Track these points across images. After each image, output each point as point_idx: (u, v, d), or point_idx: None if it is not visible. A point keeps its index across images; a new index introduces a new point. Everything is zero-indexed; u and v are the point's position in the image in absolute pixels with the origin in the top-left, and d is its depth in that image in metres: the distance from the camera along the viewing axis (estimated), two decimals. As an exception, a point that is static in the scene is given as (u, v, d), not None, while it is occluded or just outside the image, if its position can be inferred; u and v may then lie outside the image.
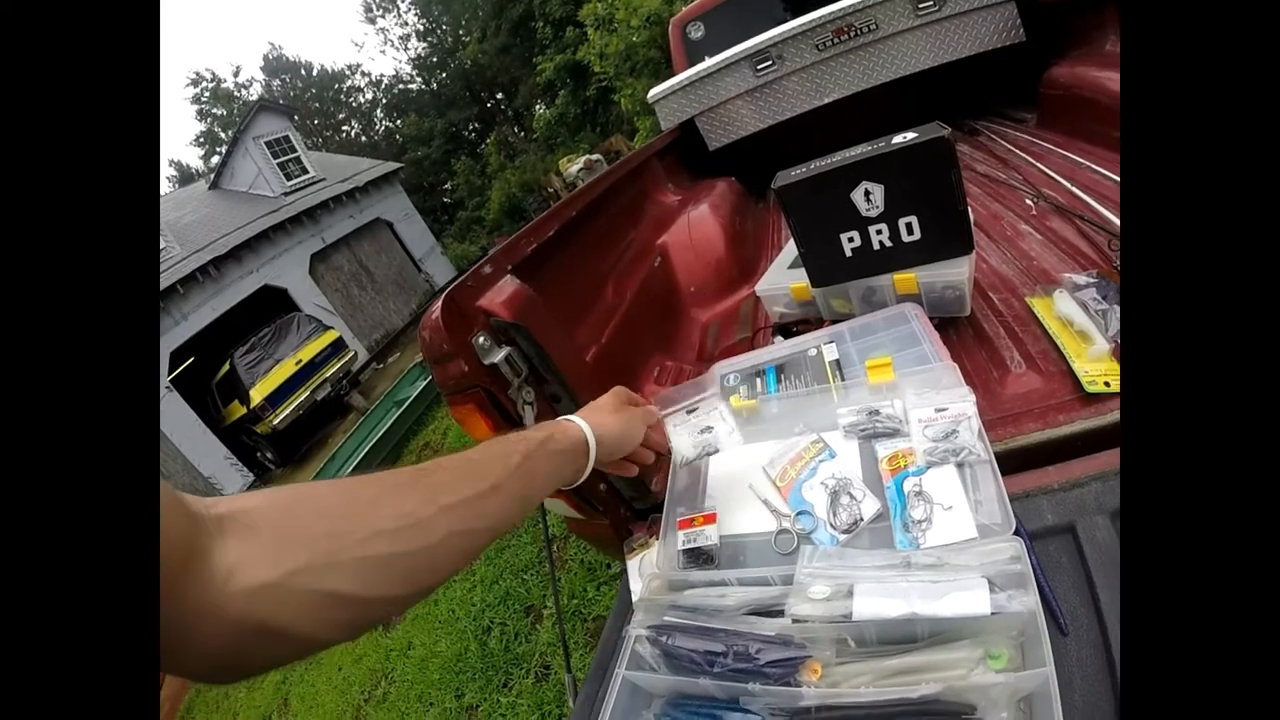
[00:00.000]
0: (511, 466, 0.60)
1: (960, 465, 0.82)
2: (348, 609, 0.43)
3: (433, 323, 1.00)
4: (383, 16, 30.54)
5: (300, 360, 9.62)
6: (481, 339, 1.03)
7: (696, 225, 2.22)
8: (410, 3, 29.69)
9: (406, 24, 30.49)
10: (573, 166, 12.87)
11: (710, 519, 0.85)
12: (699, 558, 0.88)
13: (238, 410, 9.47)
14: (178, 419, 9.27)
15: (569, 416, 0.80)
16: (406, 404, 7.53)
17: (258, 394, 9.15)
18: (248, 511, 0.41)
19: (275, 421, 9.21)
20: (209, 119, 29.67)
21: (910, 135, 1.11)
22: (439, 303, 1.01)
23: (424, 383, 7.89)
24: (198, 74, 29.57)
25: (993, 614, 0.66)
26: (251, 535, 0.40)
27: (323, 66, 33.03)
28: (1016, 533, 0.74)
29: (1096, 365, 1.02)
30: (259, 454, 10.10)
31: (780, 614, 0.78)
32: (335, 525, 0.44)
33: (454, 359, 1.00)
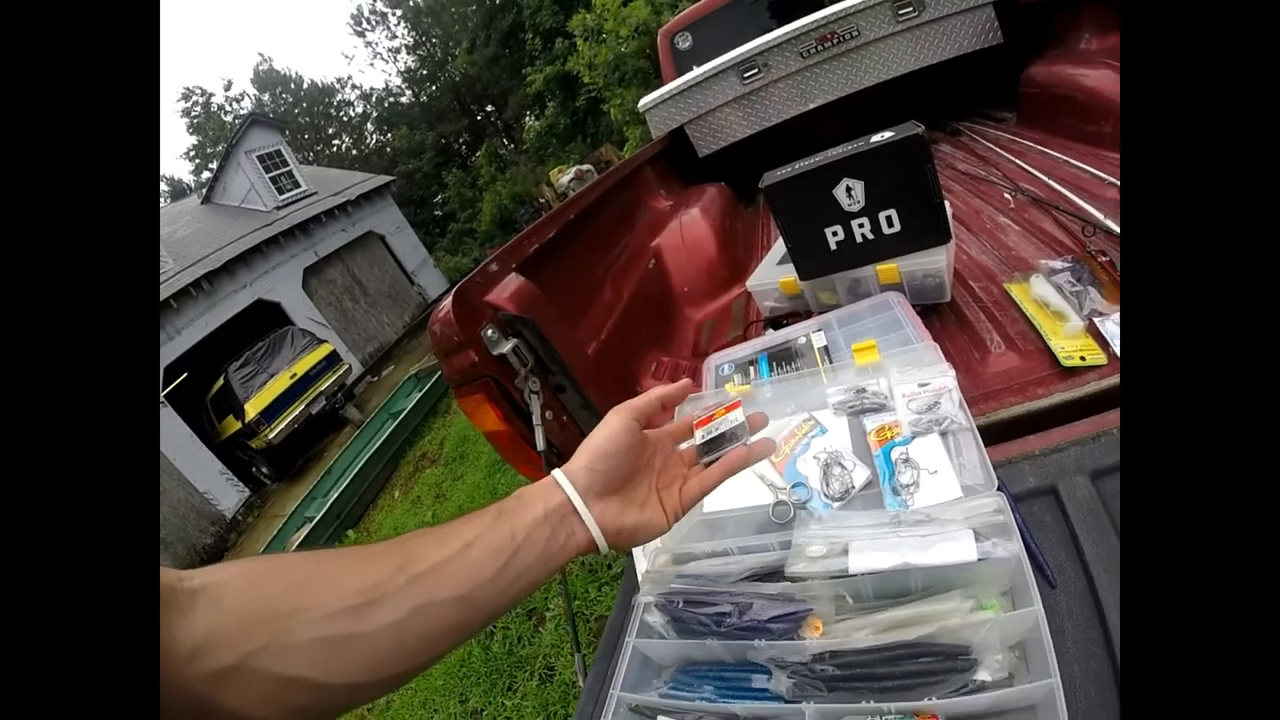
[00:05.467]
0: (486, 522, 0.53)
1: (944, 434, 0.88)
2: (305, 694, 0.41)
3: (444, 316, 1.05)
4: (372, 29, 30.73)
5: (294, 374, 9.60)
6: (490, 331, 1.08)
7: (688, 228, 2.29)
8: (400, 16, 29.88)
9: (396, 37, 30.69)
10: (564, 177, 12.94)
11: (734, 406, 0.69)
12: (721, 443, 0.68)
13: (232, 425, 9.43)
14: (172, 434, 9.22)
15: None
16: (402, 416, 7.53)
17: (252, 408, 9.12)
18: (219, 584, 0.40)
19: (270, 436, 9.18)
20: (200, 133, 29.70)
21: (887, 134, 1.18)
22: (450, 298, 1.06)
23: (419, 395, 7.90)
24: (188, 89, 29.66)
25: (980, 560, 0.71)
26: (218, 611, 0.39)
27: (313, 81, 33.10)
28: (999, 490, 0.79)
29: (1072, 341, 1.08)
30: (254, 469, 10.05)
31: (781, 577, 0.83)
32: (299, 600, 0.42)
33: (464, 350, 1.05)
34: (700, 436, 0.68)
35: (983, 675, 0.69)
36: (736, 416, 0.68)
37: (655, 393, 0.65)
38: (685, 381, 0.69)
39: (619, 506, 0.59)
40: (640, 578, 0.97)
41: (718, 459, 0.65)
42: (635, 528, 0.59)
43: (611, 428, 0.61)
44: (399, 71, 31.24)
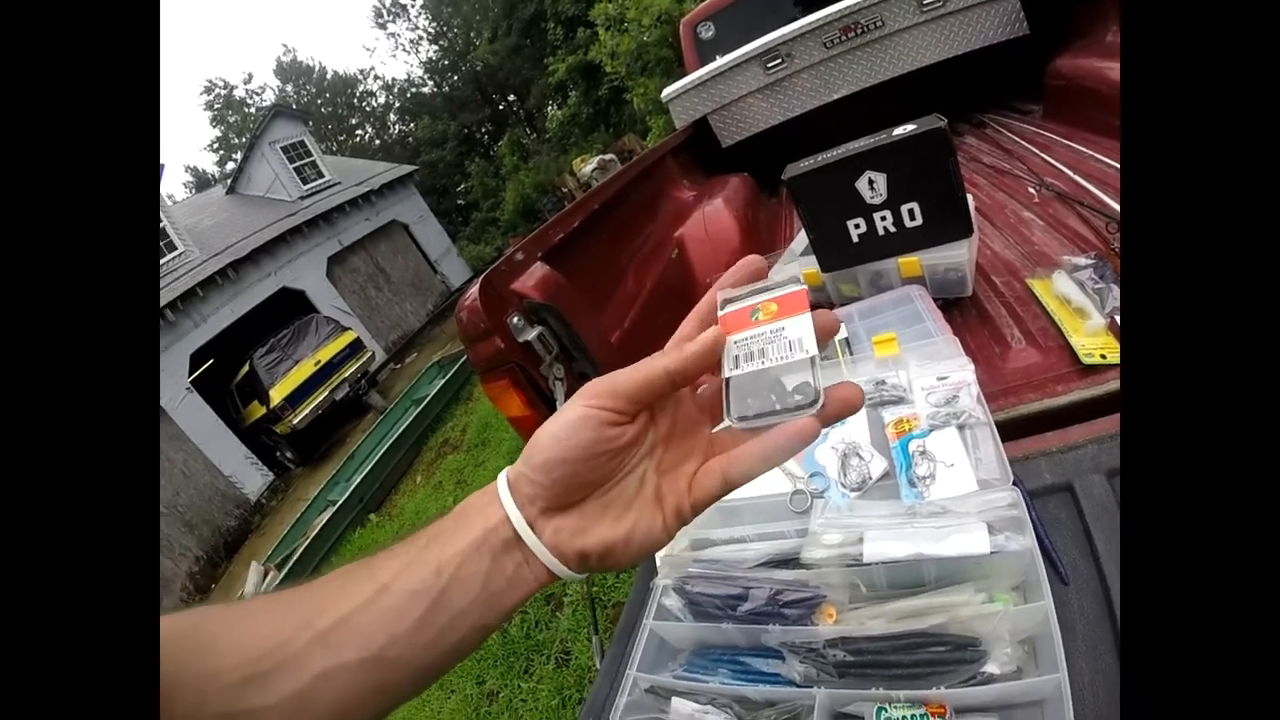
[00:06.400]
0: (411, 554, 0.41)
1: (961, 427, 0.89)
2: None
3: (471, 304, 1.08)
4: (393, 21, 30.88)
5: (319, 361, 9.78)
6: (515, 319, 1.11)
7: (712, 219, 2.30)
8: (421, 7, 30.02)
9: (417, 28, 30.82)
10: (586, 166, 12.91)
11: (795, 304, 0.39)
12: (768, 385, 0.38)
13: (257, 410, 9.65)
14: (198, 420, 9.47)
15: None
16: (425, 402, 7.65)
17: (277, 394, 9.31)
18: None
19: (295, 421, 9.37)
20: (223, 125, 30.20)
21: (910, 127, 1.18)
22: (476, 285, 1.09)
23: (442, 381, 8.01)
24: (210, 81, 30.17)
25: (992, 553, 0.72)
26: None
27: (335, 72, 33.46)
28: (1015, 485, 0.80)
29: (1093, 339, 1.08)
30: (278, 454, 10.27)
31: (797, 564, 0.85)
32: (211, 663, 0.36)
33: (490, 337, 1.08)
34: (730, 362, 0.39)
35: (991, 668, 0.70)
36: (800, 333, 0.37)
37: (659, 363, 0.39)
38: (712, 332, 0.40)
39: (578, 522, 0.41)
40: (658, 561, 0.99)
41: (761, 426, 0.37)
42: (607, 549, 0.40)
43: (563, 425, 0.39)
44: (421, 62, 31.44)
